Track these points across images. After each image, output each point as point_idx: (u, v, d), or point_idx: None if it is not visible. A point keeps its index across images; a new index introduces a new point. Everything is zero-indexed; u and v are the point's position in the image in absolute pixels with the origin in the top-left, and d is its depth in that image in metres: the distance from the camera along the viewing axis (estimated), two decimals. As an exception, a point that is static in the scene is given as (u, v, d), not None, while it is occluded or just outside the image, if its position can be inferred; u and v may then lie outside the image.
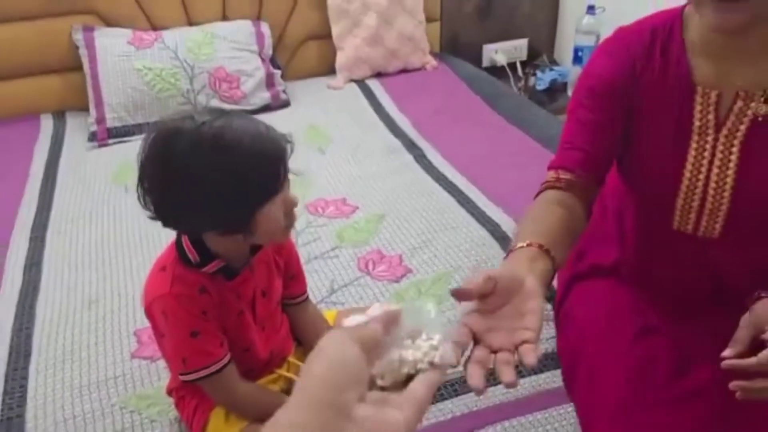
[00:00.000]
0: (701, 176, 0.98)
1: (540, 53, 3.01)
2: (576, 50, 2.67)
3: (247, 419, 1.07)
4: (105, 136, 2.21)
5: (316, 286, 1.50)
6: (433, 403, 1.18)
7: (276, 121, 2.40)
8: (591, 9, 2.61)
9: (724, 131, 0.96)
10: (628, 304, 1.10)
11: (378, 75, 2.62)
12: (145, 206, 0.97)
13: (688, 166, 0.99)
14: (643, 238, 1.11)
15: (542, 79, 2.81)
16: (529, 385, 1.23)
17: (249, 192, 0.95)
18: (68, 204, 1.89)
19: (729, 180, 0.97)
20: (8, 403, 1.24)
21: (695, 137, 0.98)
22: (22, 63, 2.32)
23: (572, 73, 2.74)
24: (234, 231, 1.00)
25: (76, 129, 2.30)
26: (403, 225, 1.71)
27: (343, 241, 1.66)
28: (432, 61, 2.68)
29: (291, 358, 1.20)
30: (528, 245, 0.85)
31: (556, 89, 2.81)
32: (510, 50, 2.99)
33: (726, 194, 0.98)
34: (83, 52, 2.29)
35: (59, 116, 2.38)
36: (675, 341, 1.03)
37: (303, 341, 1.23)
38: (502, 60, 2.94)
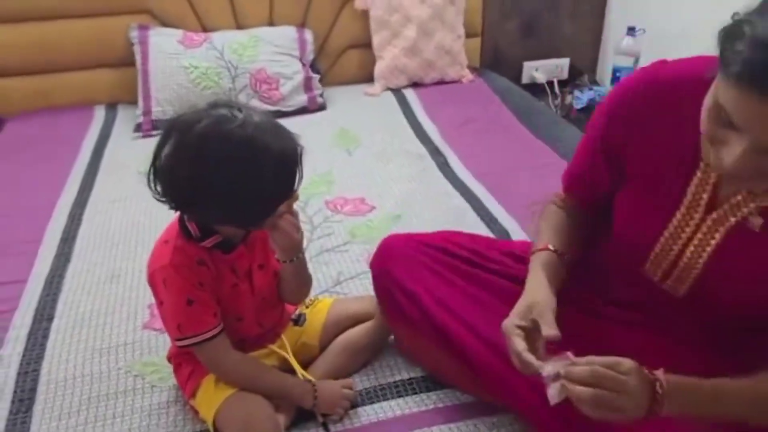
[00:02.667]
0: (676, 248, 0.98)
1: (581, 73, 3.02)
2: (614, 71, 2.68)
3: (234, 387, 1.14)
4: (149, 127, 2.35)
5: (323, 277, 1.57)
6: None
7: (309, 122, 2.51)
8: (631, 30, 2.61)
9: (714, 215, 0.94)
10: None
11: (415, 85, 2.69)
12: (154, 191, 1.06)
13: (666, 234, 0.98)
14: (618, 276, 1.12)
15: (580, 98, 2.81)
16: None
17: (273, 195, 1.05)
18: (108, 187, 2.02)
19: (704, 257, 0.95)
20: (27, 359, 1.35)
21: (683, 209, 0.96)
22: (80, 57, 2.49)
23: (610, 93, 2.74)
24: (250, 227, 1.10)
25: (126, 120, 2.45)
26: (416, 226, 1.75)
27: (355, 237, 1.72)
28: (468, 74, 2.73)
29: (284, 336, 1.27)
30: (549, 249, 1.07)
31: (594, 109, 2.80)
32: (551, 68, 3.01)
33: (698, 267, 0.97)
34: (137, 48, 2.44)
35: (111, 108, 2.54)
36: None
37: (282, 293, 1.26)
38: (541, 78, 2.97)
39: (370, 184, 1.99)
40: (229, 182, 1.00)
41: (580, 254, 1.13)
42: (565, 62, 3.04)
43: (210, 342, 1.11)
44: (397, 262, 1.22)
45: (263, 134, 1.01)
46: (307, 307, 1.33)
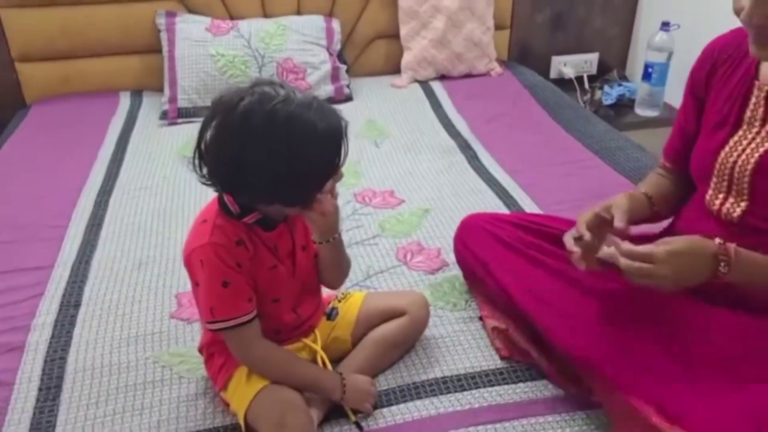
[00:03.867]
0: (731, 160, 1.11)
1: (611, 68, 2.97)
2: (646, 66, 2.62)
3: (263, 378, 1.11)
4: (175, 115, 2.33)
5: (352, 271, 1.51)
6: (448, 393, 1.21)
7: (336, 112, 2.45)
8: (665, 25, 2.55)
9: (767, 127, 1.07)
10: None
11: (442, 77, 2.65)
12: (199, 174, 1.04)
13: (726, 149, 1.12)
14: (685, 214, 1.25)
15: (609, 94, 2.76)
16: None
17: (319, 171, 1.04)
18: (134, 174, 2.01)
19: (751, 164, 1.07)
20: (53, 346, 1.33)
21: (744, 126, 1.11)
22: (108, 43, 2.48)
23: (641, 89, 2.69)
24: (298, 205, 1.08)
25: (151, 107, 2.44)
26: (446, 221, 1.72)
27: (385, 231, 1.69)
28: (497, 68, 2.68)
29: (317, 331, 1.24)
30: (642, 193, 1.26)
31: (623, 105, 2.75)
32: (579, 63, 2.96)
33: (747, 175, 1.08)
34: (164, 35, 2.42)
35: (137, 94, 2.53)
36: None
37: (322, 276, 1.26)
38: (570, 72, 2.91)
39: (398, 176, 1.96)
40: (275, 159, 0.98)
41: (669, 213, 1.29)
42: (594, 57, 2.99)
43: (241, 327, 1.09)
44: (474, 235, 1.38)
45: (307, 110, 0.99)
46: (339, 301, 1.30)
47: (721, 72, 1.17)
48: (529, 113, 2.36)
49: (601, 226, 1.12)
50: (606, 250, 1.06)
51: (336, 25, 2.56)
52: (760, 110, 1.09)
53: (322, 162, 1.03)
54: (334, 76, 2.47)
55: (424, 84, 2.61)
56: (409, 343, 1.30)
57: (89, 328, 1.38)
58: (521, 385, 1.22)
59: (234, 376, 1.14)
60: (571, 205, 1.76)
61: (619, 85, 2.83)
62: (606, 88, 2.80)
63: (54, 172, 2.01)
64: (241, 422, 1.11)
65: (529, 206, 1.77)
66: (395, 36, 2.64)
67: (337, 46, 2.54)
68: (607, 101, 2.76)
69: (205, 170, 1.04)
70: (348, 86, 2.50)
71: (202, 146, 1.02)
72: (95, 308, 1.44)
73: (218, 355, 1.18)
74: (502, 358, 1.28)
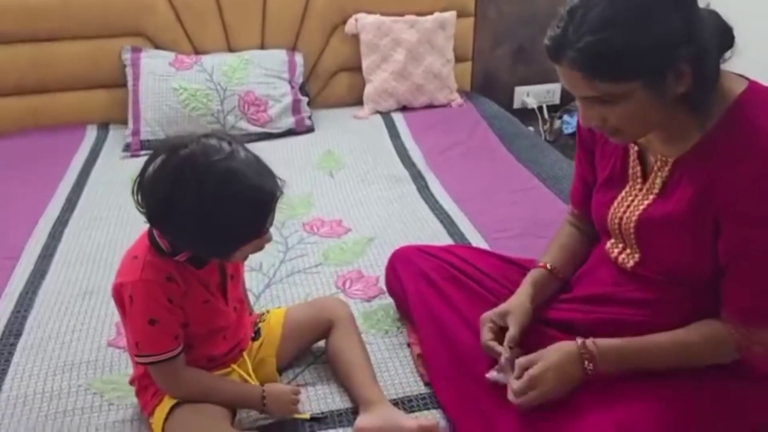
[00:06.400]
0: (619, 214, 1.17)
1: (573, 98, 3.02)
2: (603, 96, 2.68)
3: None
4: (138, 147, 2.39)
5: (291, 298, 1.58)
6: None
7: (295, 144, 2.53)
8: (619, 57, 2.62)
9: (647, 183, 1.13)
10: None
11: (404, 108, 2.72)
12: (136, 201, 1.09)
13: (615, 204, 1.19)
14: (590, 257, 1.31)
15: (569, 123, 2.83)
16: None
17: (240, 230, 1.09)
18: (92, 205, 2.06)
19: (635, 216, 1.13)
20: (-9, 375, 1.37)
21: (630, 182, 1.18)
22: (76, 77, 2.55)
23: (599, 119, 2.75)
24: (212, 257, 1.14)
25: (116, 140, 2.50)
26: (389, 249, 1.73)
27: (328, 260, 1.73)
28: (457, 99, 2.75)
29: (245, 354, 1.28)
30: (545, 269, 1.29)
31: (583, 134, 2.81)
32: (542, 93, 3.03)
33: (631, 226, 1.13)
34: (129, 70, 2.50)
35: (103, 127, 2.59)
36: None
37: None
38: (532, 103, 2.99)
39: (348, 206, 2.01)
40: (199, 209, 1.03)
41: (580, 266, 1.32)
42: (556, 87, 3.06)
43: (165, 362, 1.13)
44: (401, 267, 1.45)
45: (243, 170, 1.04)
46: (260, 322, 1.35)
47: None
48: (484, 143, 2.42)
49: (501, 333, 1.21)
50: (494, 375, 1.16)
51: (299, 58, 2.63)
52: (638, 169, 1.14)
53: (247, 222, 1.08)
54: (296, 108, 2.53)
55: (386, 115, 2.67)
56: (360, 342, 1.34)
57: (27, 357, 1.41)
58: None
59: (163, 402, 1.18)
60: (511, 233, 1.81)
61: (580, 114, 2.90)
62: (566, 117, 2.87)
63: (15, 203, 2.05)
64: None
65: (472, 234, 1.82)
66: (357, 69, 2.71)
67: (300, 79, 2.61)
68: (568, 130, 2.83)
69: (141, 199, 1.08)
70: (309, 118, 2.56)
71: (144, 177, 1.07)
72: (36, 337, 1.47)
73: (151, 385, 1.21)
74: (426, 384, 1.31)
